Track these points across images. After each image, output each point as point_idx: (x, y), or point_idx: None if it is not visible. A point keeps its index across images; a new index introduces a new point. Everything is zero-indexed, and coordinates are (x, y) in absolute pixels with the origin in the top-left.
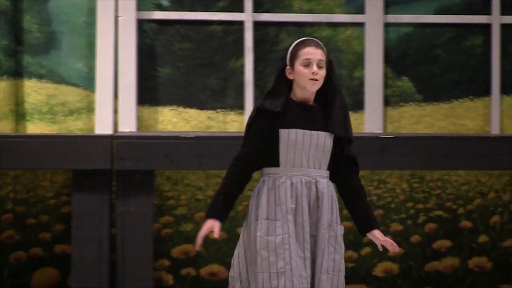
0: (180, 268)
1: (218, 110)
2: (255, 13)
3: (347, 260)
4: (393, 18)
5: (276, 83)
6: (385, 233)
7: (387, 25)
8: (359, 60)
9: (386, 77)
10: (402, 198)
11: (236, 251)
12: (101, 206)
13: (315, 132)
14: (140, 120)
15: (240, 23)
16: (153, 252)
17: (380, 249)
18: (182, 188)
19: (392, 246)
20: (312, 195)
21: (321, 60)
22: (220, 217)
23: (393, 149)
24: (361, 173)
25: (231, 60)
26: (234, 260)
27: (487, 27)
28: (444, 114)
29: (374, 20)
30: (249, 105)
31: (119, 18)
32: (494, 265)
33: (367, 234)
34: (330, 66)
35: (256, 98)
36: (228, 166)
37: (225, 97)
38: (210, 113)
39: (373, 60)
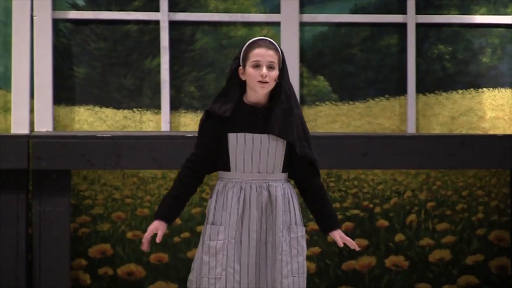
0: (97, 268)
1: (134, 109)
2: (171, 13)
3: None
4: (308, 17)
5: (228, 84)
6: None
7: (302, 25)
8: None
9: (301, 76)
10: None
11: (196, 254)
12: (17, 206)
13: (265, 136)
14: (56, 120)
15: (156, 23)
16: (70, 251)
17: (341, 245)
18: (99, 187)
19: (352, 245)
20: (264, 200)
21: (272, 62)
22: (166, 219)
23: None
24: None
25: (147, 59)
26: (194, 264)
27: (402, 27)
28: (360, 113)
29: (289, 20)
30: (165, 105)
31: (35, 17)
32: (411, 264)
33: (329, 234)
34: (282, 66)
35: (172, 98)
36: (182, 167)
37: (141, 96)
38: (126, 112)
39: (289, 59)
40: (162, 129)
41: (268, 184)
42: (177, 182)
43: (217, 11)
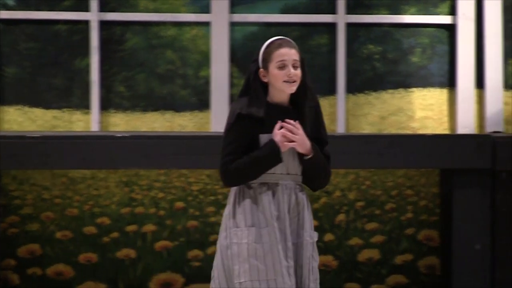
0: (26, 268)
1: (64, 109)
2: (101, 13)
3: (193, 259)
4: (239, 17)
5: (253, 87)
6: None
7: (233, 24)
8: (204, 59)
9: (232, 76)
10: None
11: (214, 263)
12: None
13: None
14: None
15: (86, 23)
16: None
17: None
18: (28, 187)
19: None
20: (292, 202)
21: (296, 60)
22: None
23: None
24: (207, 172)
25: (77, 59)
26: (214, 272)
27: (332, 26)
28: None
29: (219, 19)
30: (95, 104)
31: None
32: (340, 264)
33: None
34: (302, 64)
35: (102, 98)
36: (224, 176)
37: (71, 96)
38: (55, 112)
39: (219, 59)
40: (92, 129)
41: (295, 186)
42: (238, 164)
43: (147, 11)
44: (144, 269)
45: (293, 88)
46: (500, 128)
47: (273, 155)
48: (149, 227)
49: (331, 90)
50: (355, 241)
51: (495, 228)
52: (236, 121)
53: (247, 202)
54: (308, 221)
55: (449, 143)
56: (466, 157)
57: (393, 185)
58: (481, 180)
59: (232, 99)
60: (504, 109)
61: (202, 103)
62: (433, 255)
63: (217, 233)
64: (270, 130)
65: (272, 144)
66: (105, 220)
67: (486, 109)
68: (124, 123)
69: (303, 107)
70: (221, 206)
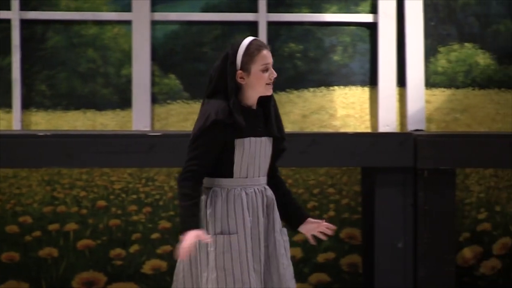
0: None
1: None
2: (22, 11)
3: (116, 258)
4: (160, 16)
5: (229, 90)
6: (153, 230)
7: (154, 23)
8: (126, 58)
9: (153, 75)
10: (170, 195)
11: (179, 265)
12: None
13: (263, 138)
14: None
15: (7, 21)
16: None
17: (313, 242)
18: None
19: (328, 227)
20: (264, 204)
21: (272, 62)
22: (200, 226)
23: (161, 146)
24: (129, 170)
25: None
26: (178, 275)
27: (254, 25)
28: None
29: (141, 18)
30: (16, 103)
31: None
32: None
33: (301, 226)
34: None
35: (24, 96)
36: (181, 179)
37: None
38: None
39: (141, 57)
40: (14, 128)
41: (264, 187)
42: (189, 191)
43: (68, 9)
44: (67, 268)
45: (271, 90)
46: (421, 126)
47: (179, 230)
48: (71, 226)
49: None
50: None
51: (417, 226)
52: (210, 127)
53: (218, 206)
54: (278, 221)
55: (371, 141)
56: (388, 155)
57: (315, 183)
58: (403, 178)
59: (154, 97)
60: (426, 107)
61: (123, 101)
62: (355, 253)
63: (139, 231)
64: (244, 134)
65: (185, 231)
66: (27, 219)
67: (408, 107)
68: (46, 122)
69: (269, 108)
70: (143, 204)
